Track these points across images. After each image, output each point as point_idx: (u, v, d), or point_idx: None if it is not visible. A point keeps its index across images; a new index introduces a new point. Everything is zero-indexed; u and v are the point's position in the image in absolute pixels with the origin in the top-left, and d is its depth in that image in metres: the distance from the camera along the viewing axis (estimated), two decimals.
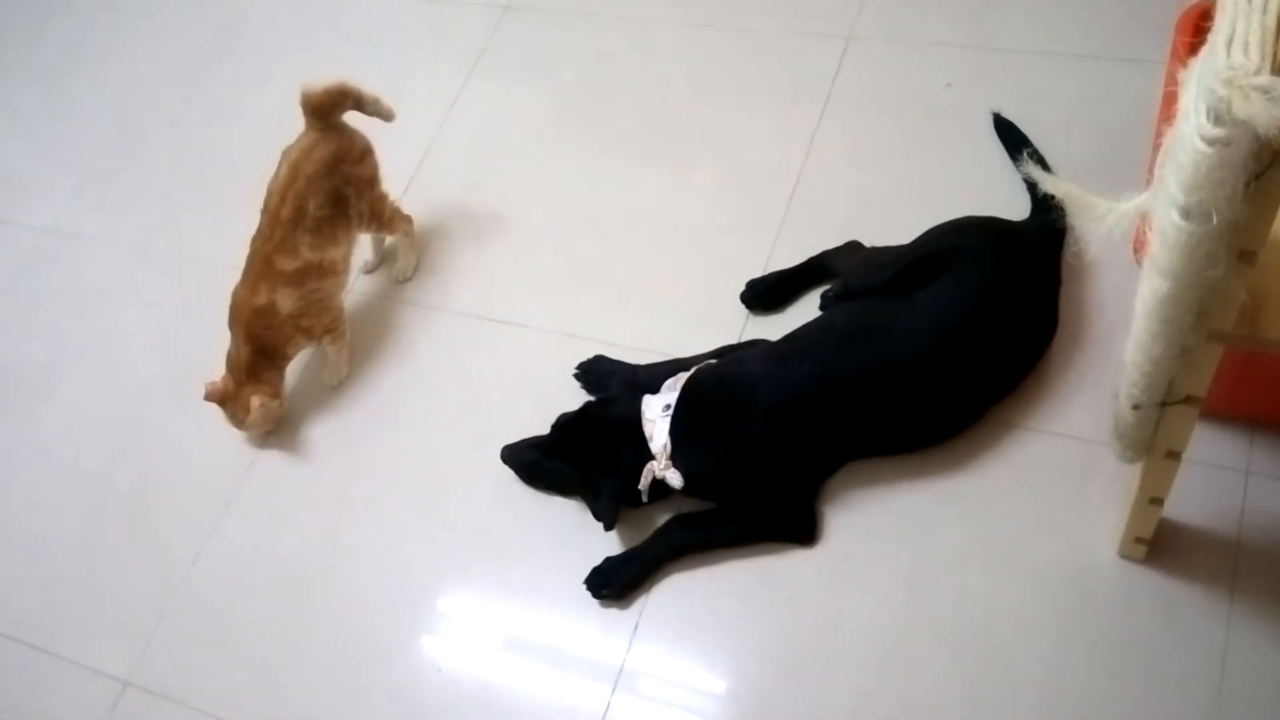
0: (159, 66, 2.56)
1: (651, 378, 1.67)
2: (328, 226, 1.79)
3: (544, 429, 1.68)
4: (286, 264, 1.77)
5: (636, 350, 1.79)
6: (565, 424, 1.64)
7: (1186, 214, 0.85)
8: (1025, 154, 1.77)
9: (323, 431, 1.87)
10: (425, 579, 1.68)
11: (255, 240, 1.79)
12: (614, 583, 1.57)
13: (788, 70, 2.10)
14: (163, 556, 1.80)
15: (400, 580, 1.69)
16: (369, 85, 1.86)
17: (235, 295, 1.79)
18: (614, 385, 1.71)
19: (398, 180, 2.13)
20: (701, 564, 1.58)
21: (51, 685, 1.71)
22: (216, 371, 1.80)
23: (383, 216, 1.90)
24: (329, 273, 1.82)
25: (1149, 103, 1.64)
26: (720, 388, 1.59)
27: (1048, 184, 1.03)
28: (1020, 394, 1.60)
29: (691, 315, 1.83)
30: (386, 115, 1.85)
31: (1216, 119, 0.77)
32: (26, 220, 2.35)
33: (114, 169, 2.40)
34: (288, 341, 1.80)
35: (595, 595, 1.58)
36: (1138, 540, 1.42)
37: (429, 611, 1.65)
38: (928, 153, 1.91)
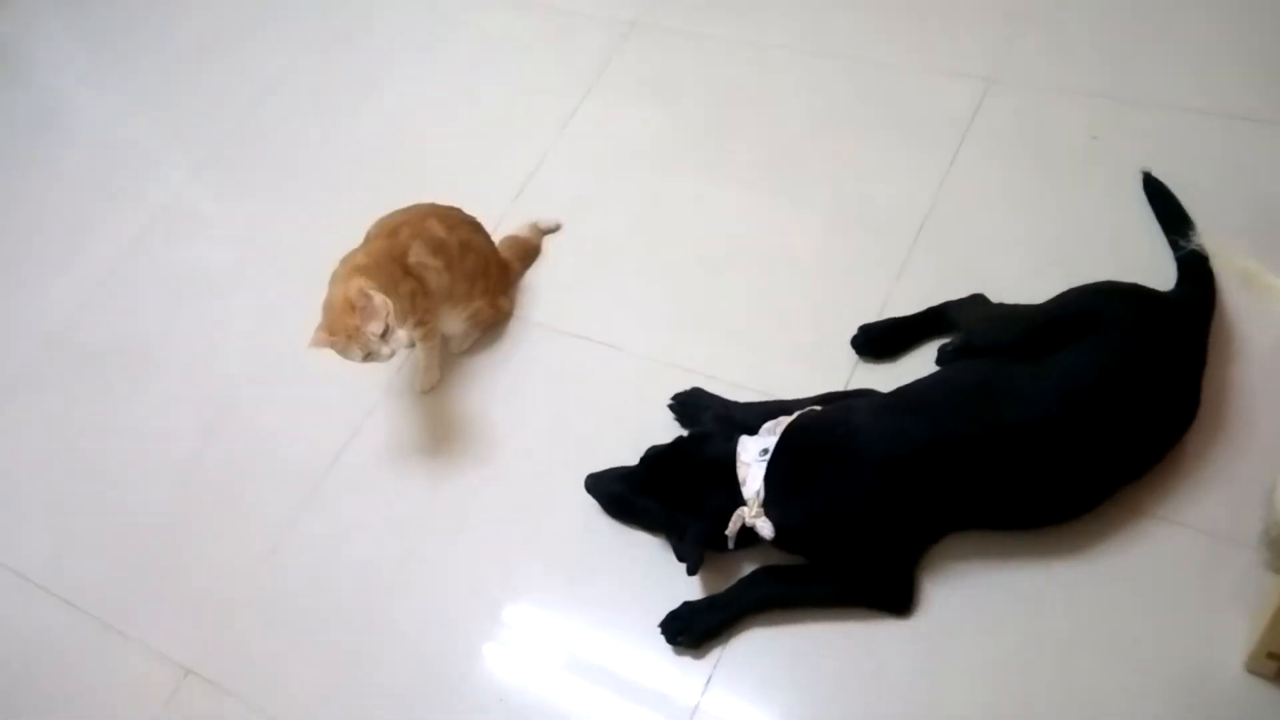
0: (285, 61, 2.58)
1: (749, 417, 1.59)
2: (452, 249, 1.82)
3: (631, 457, 1.61)
4: (438, 229, 1.80)
5: (736, 387, 1.72)
6: (655, 458, 1.58)
7: None
8: (1180, 222, 1.66)
9: (410, 438, 1.84)
10: (498, 601, 1.63)
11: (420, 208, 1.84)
12: (692, 630, 1.50)
13: (922, 108, 2.01)
14: (240, 546, 1.79)
15: (473, 600, 1.64)
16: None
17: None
18: (708, 421, 1.64)
19: (505, 192, 2.11)
20: (785, 620, 1.50)
21: (115, 664, 1.71)
22: (312, 361, 1.76)
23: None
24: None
25: None
26: (824, 436, 1.50)
27: (1224, 256, 0.93)
28: (1151, 478, 1.47)
29: (798, 355, 1.75)
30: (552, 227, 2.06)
31: None
32: (145, 195, 2.39)
33: (236, 156, 2.42)
34: (396, 284, 1.70)
35: (670, 641, 1.50)
36: (1270, 655, 1.29)
37: (499, 636, 1.60)
38: (1067, 208, 1.80)
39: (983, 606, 1.44)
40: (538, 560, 1.65)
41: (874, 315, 1.75)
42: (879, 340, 1.71)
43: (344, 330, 1.61)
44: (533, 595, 1.63)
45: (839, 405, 1.57)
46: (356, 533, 1.76)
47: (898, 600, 1.46)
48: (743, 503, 1.48)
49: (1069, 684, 1.37)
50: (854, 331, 1.73)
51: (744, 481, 1.48)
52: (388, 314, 1.61)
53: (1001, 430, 1.42)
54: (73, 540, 1.89)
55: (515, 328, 1.93)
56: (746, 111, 2.12)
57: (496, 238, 1.98)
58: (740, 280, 1.88)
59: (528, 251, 2.01)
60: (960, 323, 1.65)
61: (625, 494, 1.59)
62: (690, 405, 1.71)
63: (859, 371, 1.70)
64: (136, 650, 1.71)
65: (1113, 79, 1.93)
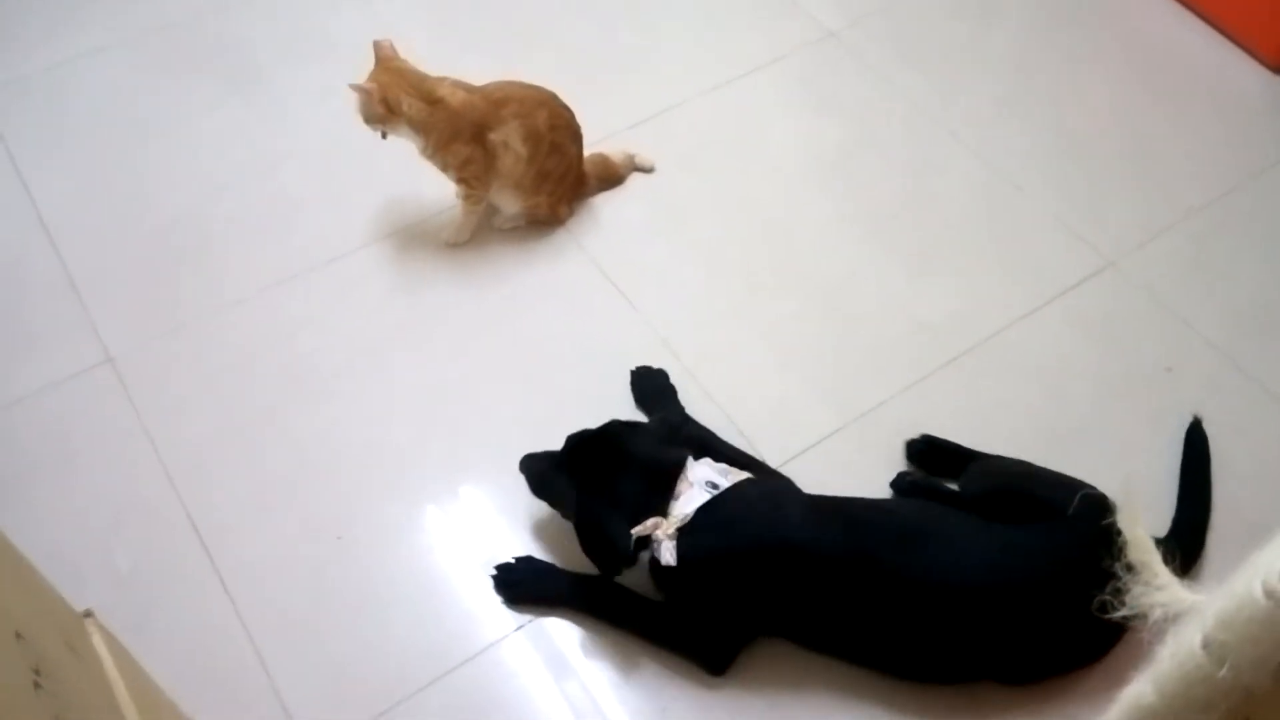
0: None
1: (695, 440, 1.57)
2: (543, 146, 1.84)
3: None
4: (543, 123, 1.82)
5: (706, 395, 1.71)
6: (579, 440, 1.50)
7: (1206, 645, 0.71)
8: (1196, 486, 1.59)
9: (411, 276, 1.88)
10: (394, 454, 1.66)
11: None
12: (518, 587, 1.50)
13: (1036, 251, 1.94)
14: (215, 284, 1.86)
15: (374, 440, 1.67)
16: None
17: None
18: (656, 415, 1.63)
19: (626, 116, 2.11)
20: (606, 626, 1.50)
21: (55, 318, 1.81)
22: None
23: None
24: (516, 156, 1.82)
25: None
26: (762, 508, 1.45)
27: (1129, 526, 0.88)
28: (1020, 693, 1.43)
29: (773, 408, 1.72)
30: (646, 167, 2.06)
31: None
32: None
33: None
34: (450, 142, 1.77)
35: (495, 585, 1.51)
36: None
37: (375, 482, 1.63)
38: (1101, 415, 1.72)
39: (790, 708, 1.43)
40: (448, 440, 1.68)
41: (868, 408, 1.72)
42: (934, 454, 1.65)
43: (378, 96, 1.72)
44: (424, 464, 1.65)
45: (777, 495, 1.50)
46: (314, 329, 1.81)
47: (718, 661, 1.44)
48: (662, 515, 1.40)
49: None
50: (838, 406, 1.70)
51: (677, 497, 1.41)
52: (374, 123, 1.76)
53: (921, 576, 1.37)
54: (86, 192, 1.99)
55: (559, 236, 1.95)
56: (879, 162, 2.07)
57: (592, 150, 1.98)
58: (774, 306, 1.86)
59: (611, 177, 2.01)
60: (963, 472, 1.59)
61: (547, 471, 1.52)
62: (651, 387, 1.70)
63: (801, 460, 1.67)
64: (79, 317, 1.81)
65: (1225, 332, 1.82)
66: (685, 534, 1.39)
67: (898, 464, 1.65)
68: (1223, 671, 0.69)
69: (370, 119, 1.76)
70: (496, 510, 1.60)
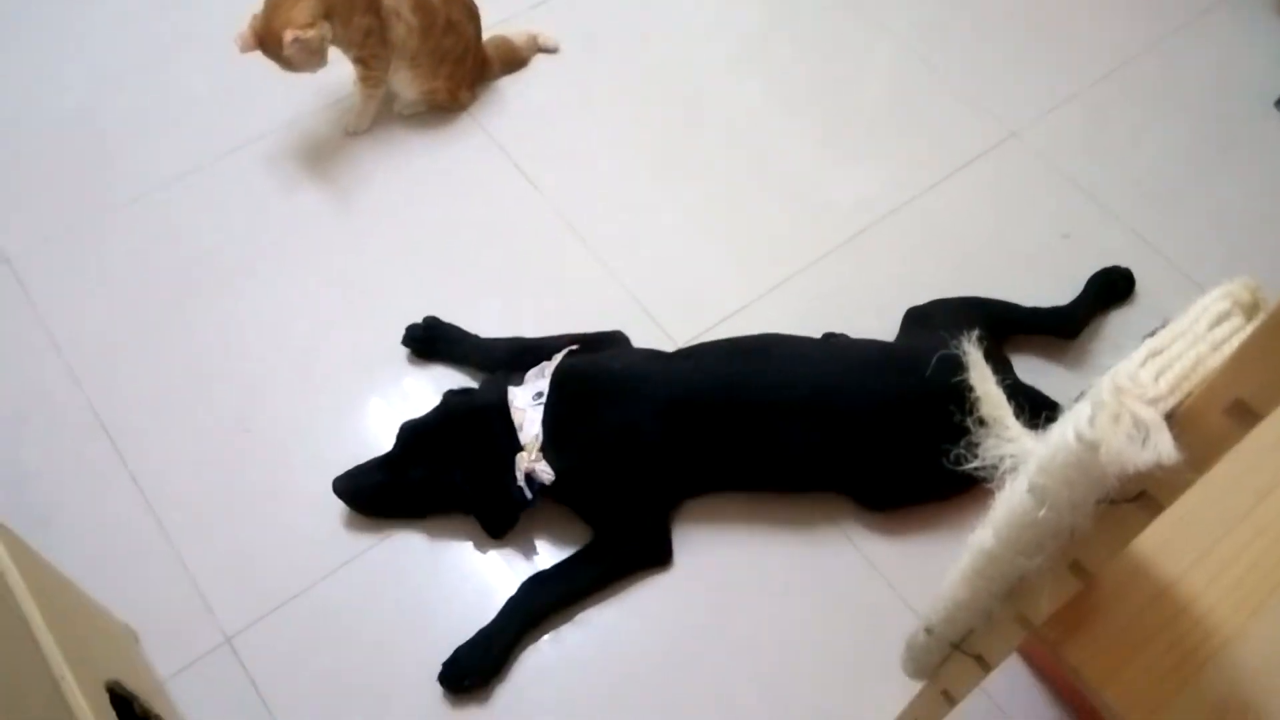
0: None
1: (520, 351, 1.57)
2: (437, 20, 1.78)
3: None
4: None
5: (609, 281, 1.72)
6: (418, 427, 1.47)
7: (1031, 489, 0.75)
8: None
9: (311, 168, 1.84)
10: (296, 350, 1.65)
11: None
12: (475, 672, 1.39)
13: (941, 124, 1.95)
14: (112, 181, 1.82)
15: (273, 334, 1.66)
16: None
17: None
18: (458, 354, 1.62)
19: None
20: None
21: None
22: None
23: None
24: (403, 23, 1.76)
25: None
26: (601, 379, 1.47)
27: (975, 370, 0.91)
28: (875, 521, 1.51)
29: (680, 288, 1.73)
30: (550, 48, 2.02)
31: (1091, 420, 0.67)
32: None
33: None
34: (353, 15, 1.69)
35: (455, 689, 1.37)
36: None
37: (276, 379, 1.63)
38: (1003, 280, 1.73)
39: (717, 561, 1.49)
40: (352, 329, 1.67)
41: (775, 283, 1.74)
42: None
43: (316, 31, 1.64)
44: (329, 354, 1.65)
45: (609, 353, 1.55)
46: (213, 222, 1.78)
47: (659, 554, 1.48)
48: (520, 448, 1.41)
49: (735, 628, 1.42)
50: (746, 284, 1.72)
51: (520, 426, 1.42)
52: (323, 51, 1.67)
53: (783, 382, 1.45)
54: None
55: (462, 121, 1.92)
56: (790, 40, 2.05)
57: (493, 32, 1.94)
58: (683, 187, 1.85)
59: (514, 59, 1.97)
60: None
61: (380, 482, 1.46)
62: (429, 339, 1.65)
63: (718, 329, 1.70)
64: None
65: (1122, 198, 1.85)
66: (548, 450, 1.41)
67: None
68: (1043, 512, 0.73)
69: (318, 53, 1.67)
70: (401, 396, 1.61)
